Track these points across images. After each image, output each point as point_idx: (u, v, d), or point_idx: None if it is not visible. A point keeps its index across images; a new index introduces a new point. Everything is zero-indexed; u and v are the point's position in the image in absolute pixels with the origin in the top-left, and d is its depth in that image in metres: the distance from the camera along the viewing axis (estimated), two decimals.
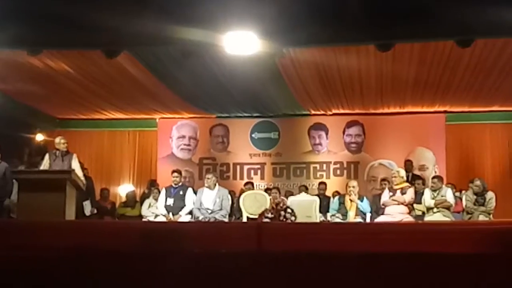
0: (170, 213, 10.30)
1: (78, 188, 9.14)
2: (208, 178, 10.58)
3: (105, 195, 12.94)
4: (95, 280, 5.10)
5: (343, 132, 14.25)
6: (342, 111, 13.94)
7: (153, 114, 14.47)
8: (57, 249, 5.37)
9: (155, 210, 10.97)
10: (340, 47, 9.12)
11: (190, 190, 10.63)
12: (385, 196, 10.03)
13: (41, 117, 14.17)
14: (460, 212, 10.56)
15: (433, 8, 7.60)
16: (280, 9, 7.60)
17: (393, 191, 9.95)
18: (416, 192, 10.10)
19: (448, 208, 9.87)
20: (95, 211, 11.47)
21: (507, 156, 13.68)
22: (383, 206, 9.97)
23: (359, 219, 10.08)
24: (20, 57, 9.26)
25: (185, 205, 10.35)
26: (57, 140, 9.73)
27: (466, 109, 13.48)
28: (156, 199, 11.09)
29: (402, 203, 9.74)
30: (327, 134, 14.29)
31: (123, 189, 14.26)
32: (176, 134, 14.76)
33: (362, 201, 10.35)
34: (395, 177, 10.09)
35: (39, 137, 13.99)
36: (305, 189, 12.42)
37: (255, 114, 14.33)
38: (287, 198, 10.83)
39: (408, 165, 12.55)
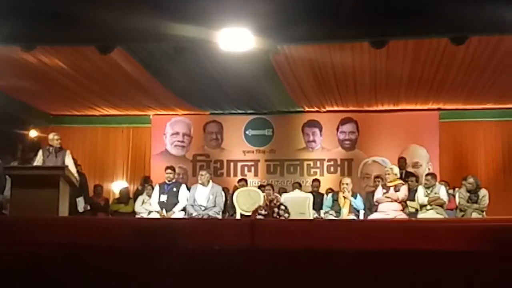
0: (164, 210, 10.30)
1: (71, 185, 9.11)
2: (201, 175, 10.58)
3: (99, 191, 12.92)
4: (89, 277, 5.09)
5: (337, 129, 14.26)
6: (336, 108, 13.95)
7: (147, 111, 14.45)
8: (50, 246, 5.36)
9: (148, 207, 10.97)
10: (334, 44, 9.13)
11: (183, 186, 10.63)
12: (379, 193, 10.05)
13: (34, 113, 14.13)
14: (453, 209, 10.58)
15: (428, 5, 7.62)
16: (275, 6, 7.60)
17: (386, 188, 9.98)
18: (409, 190, 10.13)
19: (441, 205, 9.89)
20: (89, 207, 11.46)
21: (500, 154, 13.71)
22: (376, 203, 10.00)
23: (352, 216, 10.11)
24: (14, 53, 9.24)
25: (178, 202, 10.36)
26: (50, 136, 9.71)
27: (460, 106, 13.49)
28: (150, 196, 11.09)
29: (396, 200, 9.76)
30: (321, 131, 14.30)
31: (117, 186, 14.24)
32: (170, 130, 14.75)
33: (355, 198, 10.37)
34: (388, 174, 10.12)
35: (33, 133, 13.95)
36: (299, 186, 12.45)
37: (249, 111, 14.33)
38: (280, 195, 10.82)
39: (401, 163, 12.56)
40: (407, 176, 11.51)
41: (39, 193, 8.31)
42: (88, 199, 11.63)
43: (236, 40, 8.19)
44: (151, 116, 14.75)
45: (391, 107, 13.71)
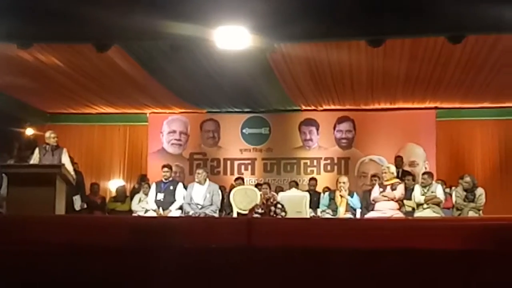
0: (160, 208, 10.29)
1: (68, 183, 9.11)
2: (198, 173, 10.58)
3: (95, 189, 12.90)
4: (85, 275, 5.09)
5: (334, 128, 14.26)
6: (333, 106, 13.95)
7: (143, 109, 14.44)
8: (47, 244, 5.35)
9: (145, 205, 10.96)
10: (331, 43, 9.12)
11: (180, 185, 10.62)
12: (375, 192, 10.05)
13: (31, 111, 14.11)
14: (450, 208, 10.61)
15: (425, 4, 7.62)
16: (271, 4, 7.59)
17: (383, 187, 9.98)
18: (406, 188, 10.12)
19: (438, 204, 9.91)
20: (85, 205, 11.46)
21: (497, 153, 13.73)
22: (373, 202, 9.99)
23: (349, 215, 10.10)
24: (10, 50, 9.21)
25: (175, 200, 10.34)
26: (47, 134, 9.70)
27: (456, 105, 13.51)
28: (147, 194, 11.08)
29: (392, 199, 9.76)
30: (317, 129, 14.30)
31: (113, 184, 14.24)
32: (166, 129, 14.74)
33: (352, 197, 10.37)
34: (385, 173, 10.11)
35: (29, 131, 13.93)
36: (296, 184, 12.45)
37: (246, 110, 14.32)
38: (277, 193, 10.83)
39: (398, 161, 12.58)
40: (403, 175, 11.52)
41: (35, 192, 8.30)
42: (85, 198, 11.64)
43: (233, 38, 8.18)
44: (148, 114, 14.74)
45: (388, 105, 13.71)
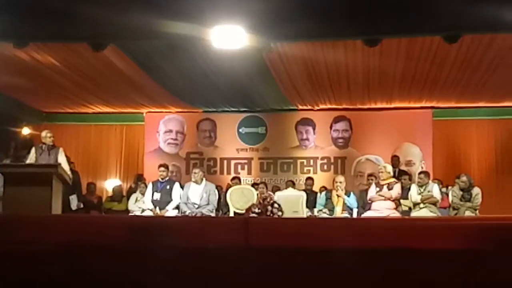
0: (157, 208, 10.30)
1: (64, 182, 9.10)
2: (195, 173, 10.58)
3: (92, 189, 12.91)
4: (81, 275, 5.08)
5: (330, 127, 14.28)
6: (329, 106, 13.97)
7: (140, 108, 14.44)
8: (43, 244, 5.34)
9: (142, 205, 10.96)
10: (327, 42, 9.13)
11: (177, 184, 10.63)
12: (372, 191, 10.06)
13: (27, 111, 14.10)
14: (446, 207, 10.62)
15: (420, 3, 7.62)
16: (268, 4, 7.59)
17: (379, 186, 9.99)
18: (402, 188, 10.14)
19: (434, 203, 9.91)
20: (82, 205, 11.47)
21: (493, 152, 13.76)
22: (369, 202, 10.00)
23: (346, 215, 10.11)
24: (6, 50, 9.20)
25: (172, 200, 10.35)
26: (43, 134, 9.69)
27: (453, 104, 13.54)
28: (143, 194, 11.08)
29: (389, 199, 9.77)
30: (314, 129, 14.31)
31: (110, 184, 14.24)
32: (163, 128, 14.74)
33: (349, 196, 10.37)
34: (381, 172, 10.12)
35: (25, 130, 13.92)
36: (292, 184, 12.45)
37: (242, 109, 14.33)
38: (274, 193, 10.82)
39: (394, 161, 12.57)
40: (400, 174, 11.52)
41: (32, 191, 8.29)
42: (81, 197, 11.64)
43: (229, 37, 8.17)
44: (144, 114, 14.74)
45: (384, 105, 13.74)
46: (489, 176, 13.32)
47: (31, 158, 9.47)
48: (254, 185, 12.10)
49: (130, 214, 11.11)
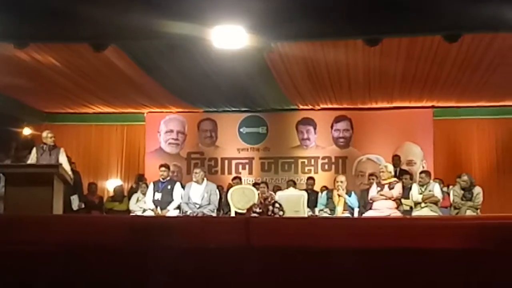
0: (158, 208, 10.29)
1: (65, 183, 9.11)
2: (196, 173, 10.57)
3: (93, 189, 12.91)
4: (83, 275, 5.09)
5: (331, 127, 14.27)
6: (330, 106, 13.96)
7: (141, 108, 14.43)
8: (44, 244, 5.35)
9: (143, 205, 10.97)
10: (328, 42, 9.12)
11: (178, 184, 10.62)
12: (373, 191, 10.05)
13: (28, 111, 14.09)
14: (448, 207, 10.62)
15: (421, 3, 7.62)
16: (268, 4, 7.59)
17: (381, 186, 9.98)
18: (403, 187, 10.13)
19: (435, 203, 9.91)
20: (83, 205, 11.46)
21: (494, 151, 13.75)
22: (371, 201, 9.99)
23: (347, 214, 10.11)
24: (6, 50, 9.19)
25: (173, 200, 10.35)
26: (44, 134, 9.70)
27: (453, 104, 13.53)
28: (144, 194, 11.08)
29: (390, 198, 9.76)
30: (315, 129, 14.31)
31: (111, 184, 14.23)
32: (164, 128, 14.74)
33: (350, 196, 10.37)
34: (383, 172, 10.12)
35: (26, 131, 13.92)
36: (293, 184, 12.44)
37: (243, 109, 14.32)
38: (275, 193, 10.82)
39: (395, 160, 12.58)
40: (401, 174, 11.51)
41: (33, 191, 8.30)
42: (82, 197, 11.64)
43: (230, 37, 8.16)
44: (145, 114, 14.73)
45: (385, 104, 13.73)
46: (490, 175, 13.32)
47: (32, 159, 9.47)
48: (255, 185, 12.09)
49: (131, 214, 11.11)
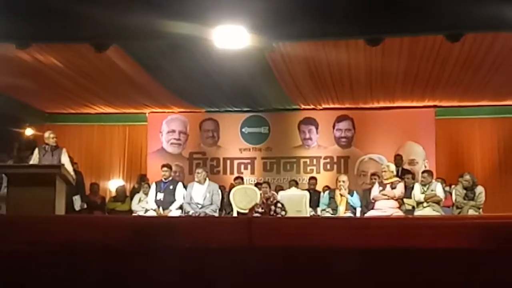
0: (160, 208, 10.28)
1: (67, 183, 9.11)
2: (198, 173, 10.56)
3: (95, 189, 12.92)
4: (85, 275, 5.09)
5: (333, 127, 14.27)
6: (332, 105, 13.96)
7: (143, 109, 14.44)
8: (47, 244, 5.35)
9: (145, 205, 10.97)
10: (329, 42, 9.12)
11: (180, 184, 10.61)
12: (375, 190, 10.04)
13: (30, 112, 14.10)
14: (450, 206, 10.62)
15: (423, 2, 7.62)
16: (270, 3, 7.59)
17: (383, 185, 9.96)
18: (406, 187, 10.11)
19: (438, 202, 9.91)
20: (85, 205, 11.48)
21: (496, 151, 13.74)
22: (373, 201, 9.98)
23: (349, 214, 10.10)
24: (8, 51, 9.20)
25: (175, 200, 10.33)
26: (46, 134, 9.71)
27: (455, 103, 13.52)
28: (146, 194, 11.09)
29: (392, 198, 9.74)
30: (317, 128, 14.31)
31: (113, 184, 14.25)
32: (166, 128, 14.74)
33: (352, 195, 10.37)
34: (385, 171, 10.10)
35: (28, 131, 13.93)
36: (295, 183, 12.44)
37: (245, 109, 14.32)
38: (277, 192, 10.82)
39: (398, 160, 12.58)
40: (403, 173, 11.52)
41: (35, 192, 8.30)
42: (85, 198, 11.65)
43: (231, 37, 8.16)
44: (147, 114, 14.74)
45: (387, 104, 13.72)
46: (492, 175, 13.31)
47: (34, 159, 9.48)
48: (257, 184, 12.09)
49: (133, 214, 11.14)
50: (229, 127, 14.57)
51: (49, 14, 7.93)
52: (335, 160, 14.23)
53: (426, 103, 13.55)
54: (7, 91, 12.12)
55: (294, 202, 10.33)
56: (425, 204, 9.88)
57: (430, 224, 5.95)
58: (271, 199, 9.76)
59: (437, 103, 13.56)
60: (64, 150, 9.61)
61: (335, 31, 8.20)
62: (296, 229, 5.65)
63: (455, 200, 10.31)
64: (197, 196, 10.27)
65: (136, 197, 11.75)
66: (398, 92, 12.45)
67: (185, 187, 10.57)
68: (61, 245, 5.31)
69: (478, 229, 5.31)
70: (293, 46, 9.32)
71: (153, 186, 10.63)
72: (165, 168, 10.68)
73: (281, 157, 14.37)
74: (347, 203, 10.23)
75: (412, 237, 5.22)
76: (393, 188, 9.80)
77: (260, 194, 10.40)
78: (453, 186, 10.98)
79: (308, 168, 14.20)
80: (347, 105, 13.93)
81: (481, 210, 10.16)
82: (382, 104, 13.75)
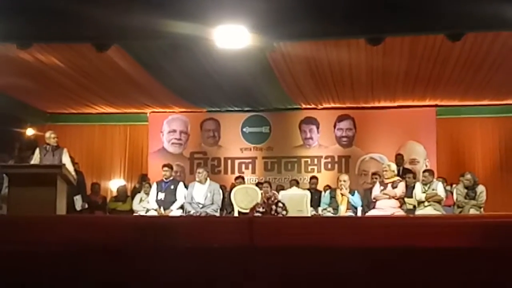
0: (161, 208, 10.28)
1: (69, 183, 9.11)
2: (199, 173, 10.56)
3: (96, 189, 12.92)
4: (86, 275, 5.09)
5: (334, 126, 14.26)
6: (333, 105, 13.95)
7: (144, 109, 14.44)
8: (48, 244, 5.35)
9: (146, 205, 10.96)
10: (330, 41, 9.12)
11: (181, 184, 10.61)
12: (376, 190, 10.04)
13: (31, 112, 14.11)
14: (451, 205, 10.61)
15: (424, 1, 7.61)
16: (271, 3, 7.59)
17: (384, 185, 9.96)
18: (407, 186, 10.11)
19: (439, 202, 9.90)
20: (86, 205, 11.48)
21: (497, 150, 13.73)
22: (374, 200, 9.98)
23: (350, 213, 10.10)
24: (10, 51, 9.20)
25: (176, 200, 10.33)
26: (47, 134, 9.72)
27: (456, 103, 13.51)
28: (147, 194, 11.09)
29: (393, 197, 9.74)
30: (318, 128, 14.31)
31: (114, 184, 14.25)
32: (167, 128, 14.74)
33: (353, 195, 10.36)
34: (386, 171, 10.10)
35: (30, 131, 13.94)
36: (296, 183, 12.42)
37: (246, 109, 14.32)
38: (278, 192, 10.83)
39: (399, 159, 12.57)
40: (404, 172, 11.51)
41: (36, 192, 8.31)
42: (86, 197, 11.65)
43: (232, 37, 8.15)
44: (148, 114, 14.74)
45: (388, 103, 13.71)
46: (493, 174, 13.30)
47: (35, 159, 9.49)
48: (258, 184, 12.09)
49: (134, 214, 11.14)
50: (230, 126, 14.57)
51: (50, 14, 7.93)
52: (336, 159, 14.22)
53: (427, 102, 13.54)
54: (8, 91, 12.12)
55: (295, 201, 10.33)
56: (426, 204, 9.87)
57: (431, 224, 5.95)
58: (272, 199, 9.75)
59: (438, 102, 13.55)
60: (65, 150, 9.61)
61: (336, 30, 8.20)
62: (297, 229, 5.65)
63: (456, 199, 10.30)
64: (198, 196, 10.28)
65: (137, 197, 11.75)
66: (399, 91, 12.45)
67: (186, 187, 10.57)
68: (62, 245, 5.31)
69: (479, 228, 5.31)
70: (294, 45, 9.32)
71: (154, 186, 10.63)
72: (166, 168, 10.68)
73: (282, 157, 14.37)
74: (348, 202, 10.23)
75: (413, 236, 5.22)
76: (394, 187, 9.80)
77: (261, 194, 10.41)
78: (454, 186, 10.98)
79: (309, 168, 14.20)
80: (348, 105, 13.92)
81: (482, 209, 10.15)
82: (383, 104, 13.74)
